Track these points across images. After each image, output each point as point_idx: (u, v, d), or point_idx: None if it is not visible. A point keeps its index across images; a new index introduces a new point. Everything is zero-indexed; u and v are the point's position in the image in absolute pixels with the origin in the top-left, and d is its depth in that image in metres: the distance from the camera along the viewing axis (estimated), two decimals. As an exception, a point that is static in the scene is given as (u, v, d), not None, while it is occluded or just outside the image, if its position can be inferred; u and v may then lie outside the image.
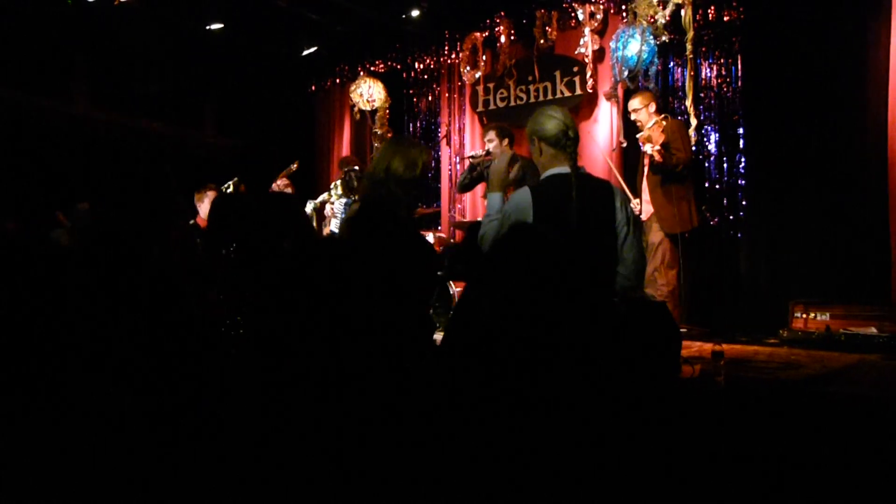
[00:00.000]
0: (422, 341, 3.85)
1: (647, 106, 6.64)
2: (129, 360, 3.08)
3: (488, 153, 7.11)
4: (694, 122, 6.89)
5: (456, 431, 2.61)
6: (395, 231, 3.90)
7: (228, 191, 7.94)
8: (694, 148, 7.26)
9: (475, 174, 7.40)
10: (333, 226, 8.18)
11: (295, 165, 8.54)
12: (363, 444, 2.61)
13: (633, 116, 6.85)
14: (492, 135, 7.09)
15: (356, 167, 8.26)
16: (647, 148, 6.43)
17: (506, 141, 7.03)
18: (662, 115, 6.61)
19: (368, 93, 9.70)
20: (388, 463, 2.59)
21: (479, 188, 7.91)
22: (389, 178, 3.88)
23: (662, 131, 6.43)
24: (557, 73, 8.48)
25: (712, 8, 7.39)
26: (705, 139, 7.53)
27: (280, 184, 8.39)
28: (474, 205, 9.08)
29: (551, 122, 3.84)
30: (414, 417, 2.73)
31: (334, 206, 8.27)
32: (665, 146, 6.39)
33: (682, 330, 6.08)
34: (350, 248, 3.95)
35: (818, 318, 6.40)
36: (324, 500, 2.52)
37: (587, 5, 8.15)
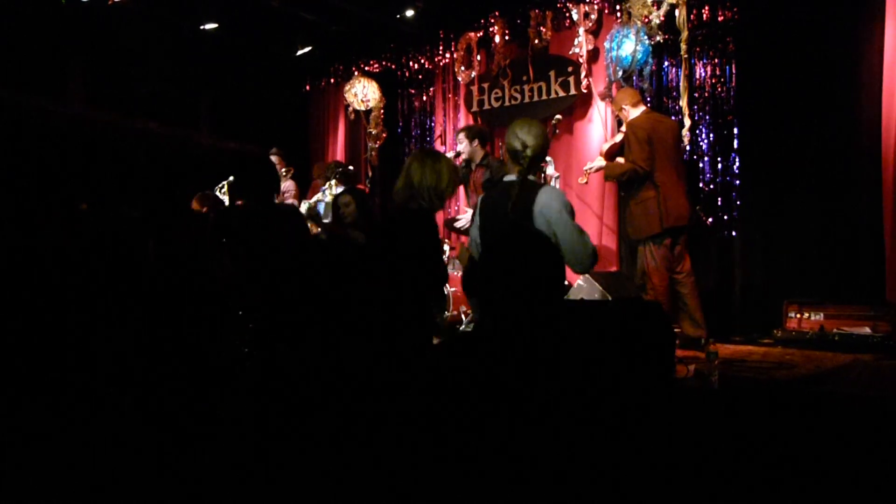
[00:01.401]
0: (421, 342, 3.88)
1: (620, 110, 6.67)
2: (129, 358, 3.09)
3: (458, 155, 7.17)
4: (688, 122, 6.89)
5: (454, 432, 2.62)
6: (426, 236, 4.22)
7: (223, 191, 7.96)
8: (689, 148, 7.28)
9: None
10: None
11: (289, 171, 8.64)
12: (363, 444, 2.62)
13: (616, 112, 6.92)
14: (461, 136, 7.23)
15: (342, 168, 8.34)
16: (588, 165, 6.67)
17: (476, 142, 7.14)
18: (638, 114, 6.59)
19: (363, 93, 9.69)
20: (387, 462, 2.60)
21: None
22: (423, 189, 4.22)
23: (625, 135, 6.51)
24: (552, 73, 8.48)
25: (706, 8, 7.41)
26: (699, 139, 7.55)
27: (285, 185, 8.45)
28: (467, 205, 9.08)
29: (513, 138, 4.00)
30: (413, 417, 2.74)
31: (320, 204, 8.30)
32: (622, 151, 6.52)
33: (676, 330, 6.11)
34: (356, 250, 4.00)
35: (812, 317, 6.42)
36: (324, 499, 2.53)
37: (581, 5, 8.15)
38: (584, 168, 7.01)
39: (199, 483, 2.57)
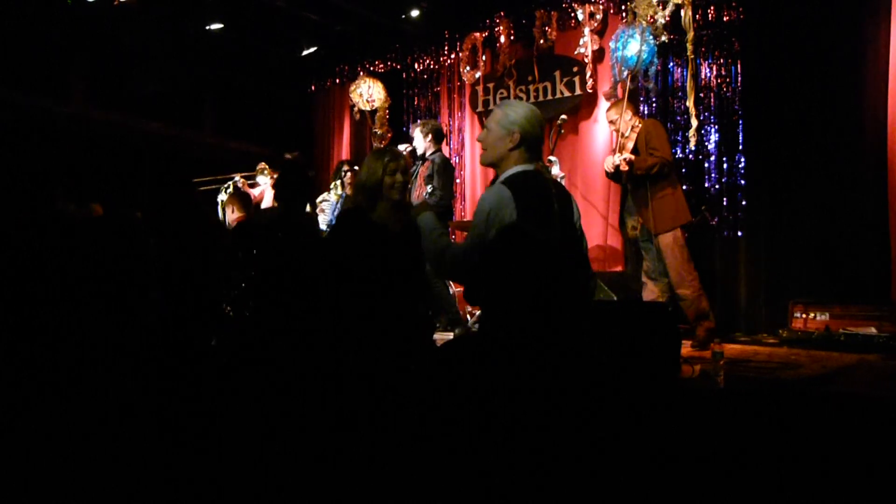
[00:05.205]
0: (420, 341, 3.86)
1: (622, 115, 6.64)
2: (128, 356, 3.08)
3: (413, 150, 7.18)
4: (695, 122, 6.88)
5: (454, 430, 2.61)
6: (363, 236, 4.09)
7: (228, 191, 7.96)
8: (693, 148, 7.29)
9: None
10: (322, 223, 8.21)
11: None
12: (362, 442, 2.61)
13: (611, 128, 6.89)
14: (417, 131, 7.27)
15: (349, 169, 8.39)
16: (617, 158, 6.44)
17: (430, 137, 7.14)
18: (638, 118, 6.62)
19: (368, 93, 9.69)
20: (385, 460, 2.59)
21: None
22: (355, 188, 4.30)
23: (638, 134, 6.46)
24: (557, 73, 8.48)
25: (712, 8, 7.41)
26: (705, 139, 7.53)
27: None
28: (474, 204, 9.06)
29: (536, 120, 3.54)
30: (412, 416, 2.73)
31: (325, 203, 8.32)
32: (635, 152, 6.41)
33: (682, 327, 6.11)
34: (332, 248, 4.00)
35: (818, 317, 6.40)
36: (323, 497, 2.51)
37: (587, 5, 8.15)
38: (615, 158, 6.73)
39: (199, 479, 2.56)
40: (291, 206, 5.11)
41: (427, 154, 7.20)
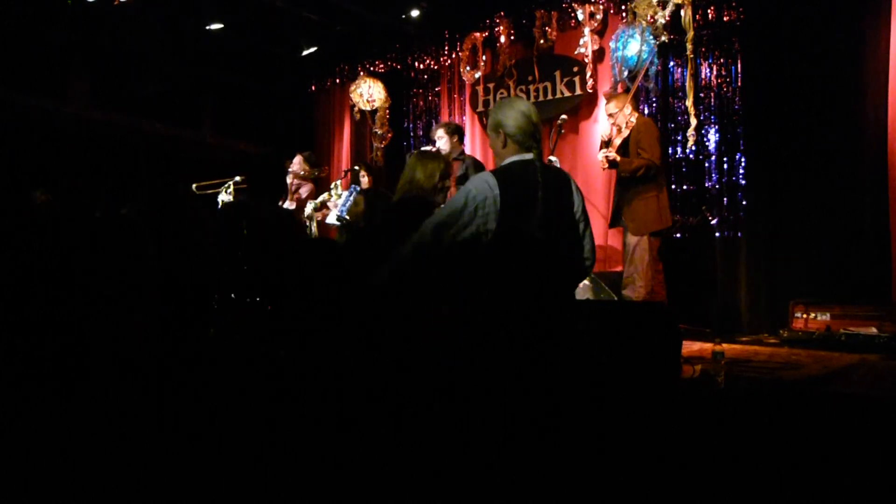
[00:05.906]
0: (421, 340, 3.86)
1: (622, 109, 6.62)
2: (127, 357, 3.08)
3: (438, 150, 7.20)
4: (694, 121, 6.87)
5: (454, 432, 2.60)
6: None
7: (229, 191, 7.98)
8: (693, 148, 7.28)
9: None
10: (332, 217, 8.24)
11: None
12: (363, 442, 2.60)
13: (609, 121, 6.86)
14: (440, 132, 7.22)
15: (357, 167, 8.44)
16: (600, 154, 6.46)
17: (455, 137, 7.14)
18: (636, 115, 6.62)
19: (368, 93, 9.70)
20: (386, 461, 2.58)
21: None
22: (413, 187, 4.34)
23: (631, 132, 6.46)
24: (557, 73, 8.48)
25: (712, 8, 7.39)
26: (705, 139, 7.53)
27: (307, 186, 8.60)
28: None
29: (514, 111, 3.54)
30: (414, 417, 2.72)
31: (332, 199, 8.37)
32: (624, 149, 6.40)
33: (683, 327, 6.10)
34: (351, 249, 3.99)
35: (818, 317, 6.39)
36: (323, 498, 2.51)
37: (587, 5, 8.14)
38: (606, 156, 6.73)
39: (200, 480, 2.56)
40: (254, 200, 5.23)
41: (454, 155, 7.20)
